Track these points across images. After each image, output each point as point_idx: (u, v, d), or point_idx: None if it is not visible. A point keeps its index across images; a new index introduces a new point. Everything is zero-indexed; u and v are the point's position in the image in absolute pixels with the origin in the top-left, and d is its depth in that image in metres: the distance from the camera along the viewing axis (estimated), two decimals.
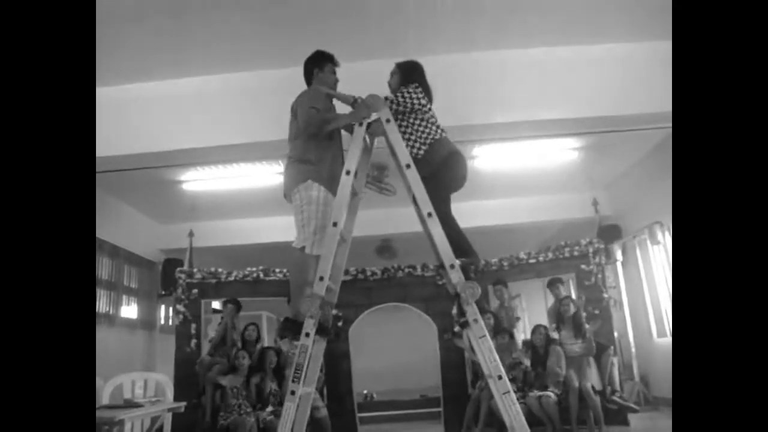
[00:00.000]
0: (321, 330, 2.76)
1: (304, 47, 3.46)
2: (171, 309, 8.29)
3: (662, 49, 4.18)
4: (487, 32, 4.66)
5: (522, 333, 7.31)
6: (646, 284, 7.58)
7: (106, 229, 7.14)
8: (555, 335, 5.89)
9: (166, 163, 5.74)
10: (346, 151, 3.12)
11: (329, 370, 6.25)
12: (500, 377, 2.57)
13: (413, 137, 3.08)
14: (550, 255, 6.68)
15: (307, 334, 2.66)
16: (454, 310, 6.08)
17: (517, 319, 6.78)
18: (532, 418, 5.01)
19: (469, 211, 5.21)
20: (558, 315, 5.90)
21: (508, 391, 2.56)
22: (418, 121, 3.11)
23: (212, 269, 6.85)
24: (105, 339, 7.07)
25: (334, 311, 4.44)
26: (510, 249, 7.15)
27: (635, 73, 4.76)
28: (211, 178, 6.94)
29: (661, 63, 4.35)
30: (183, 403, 4.32)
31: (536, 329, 5.92)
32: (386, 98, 3.08)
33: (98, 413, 3.42)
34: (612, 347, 5.86)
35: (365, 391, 9.41)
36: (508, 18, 4.48)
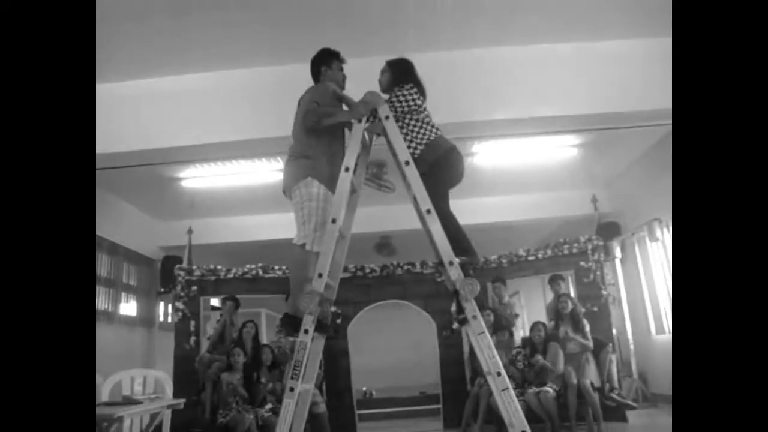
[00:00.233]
0: (320, 327, 2.76)
1: (304, 44, 3.46)
2: (170, 306, 8.29)
3: (661, 47, 4.19)
4: (487, 29, 4.66)
5: (521, 330, 7.31)
6: (644, 281, 7.59)
7: (104, 227, 7.13)
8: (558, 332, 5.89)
9: (164, 160, 5.73)
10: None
11: (328, 367, 6.26)
12: (499, 374, 2.58)
13: (409, 137, 3.08)
14: (549, 252, 6.68)
15: (306, 331, 2.67)
16: (453, 307, 6.09)
17: (516, 316, 6.78)
18: (530, 415, 5.02)
19: (469, 208, 5.22)
20: (556, 312, 5.91)
21: (507, 388, 2.57)
22: (413, 122, 3.11)
23: (211, 266, 6.84)
24: (104, 336, 7.07)
25: (333, 308, 4.44)
26: (509, 246, 7.16)
27: (635, 70, 4.76)
28: (210, 175, 6.93)
29: (660, 60, 4.35)
30: (182, 400, 4.33)
31: (535, 326, 5.94)
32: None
33: (97, 410, 3.43)
34: (611, 344, 5.87)
35: (364, 389, 9.42)
36: (507, 15, 4.48)
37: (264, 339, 6.95)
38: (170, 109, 4.95)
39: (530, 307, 8.91)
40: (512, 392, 2.58)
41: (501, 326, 6.10)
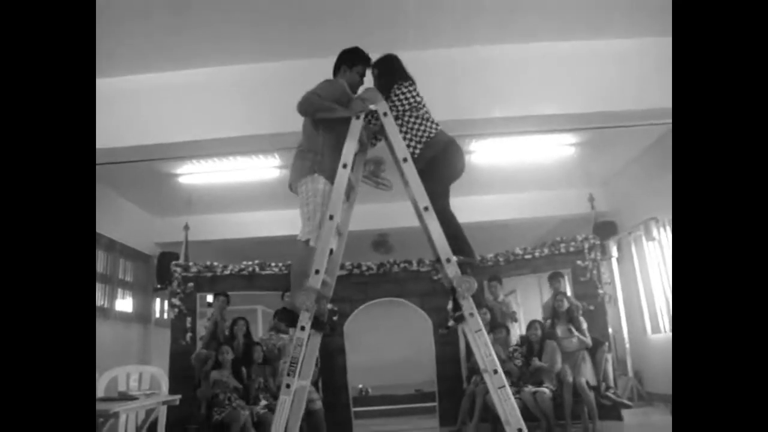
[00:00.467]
0: (316, 324, 2.76)
1: (303, 41, 3.45)
2: (166, 302, 8.29)
3: (660, 46, 4.19)
4: (486, 27, 4.66)
5: (517, 328, 7.32)
6: (641, 280, 7.60)
7: (101, 222, 7.09)
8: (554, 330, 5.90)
9: (162, 156, 5.72)
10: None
11: (324, 364, 6.25)
12: (496, 372, 2.58)
13: (408, 136, 3.06)
14: (546, 251, 6.68)
15: (303, 328, 2.66)
16: (450, 305, 6.09)
17: (513, 313, 6.79)
18: (526, 414, 5.02)
19: (466, 206, 5.21)
20: (553, 310, 5.92)
21: (504, 386, 2.57)
22: (413, 119, 3.09)
23: (208, 263, 6.82)
24: (100, 332, 7.03)
25: (330, 305, 4.43)
26: (506, 244, 7.15)
27: (633, 69, 4.76)
28: (208, 171, 6.90)
29: (657, 60, 4.36)
30: (178, 396, 4.32)
31: (531, 324, 5.95)
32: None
33: None
34: (606, 343, 5.88)
35: (360, 386, 9.43)
36: (507, 14, 4.48)
37: (259, 336, 6.95)
38: (167, 104, 4.92)
39: (527, 306, 8.93)
40: (509, 390, 2.58)
41: (498, 324, 6.11)
